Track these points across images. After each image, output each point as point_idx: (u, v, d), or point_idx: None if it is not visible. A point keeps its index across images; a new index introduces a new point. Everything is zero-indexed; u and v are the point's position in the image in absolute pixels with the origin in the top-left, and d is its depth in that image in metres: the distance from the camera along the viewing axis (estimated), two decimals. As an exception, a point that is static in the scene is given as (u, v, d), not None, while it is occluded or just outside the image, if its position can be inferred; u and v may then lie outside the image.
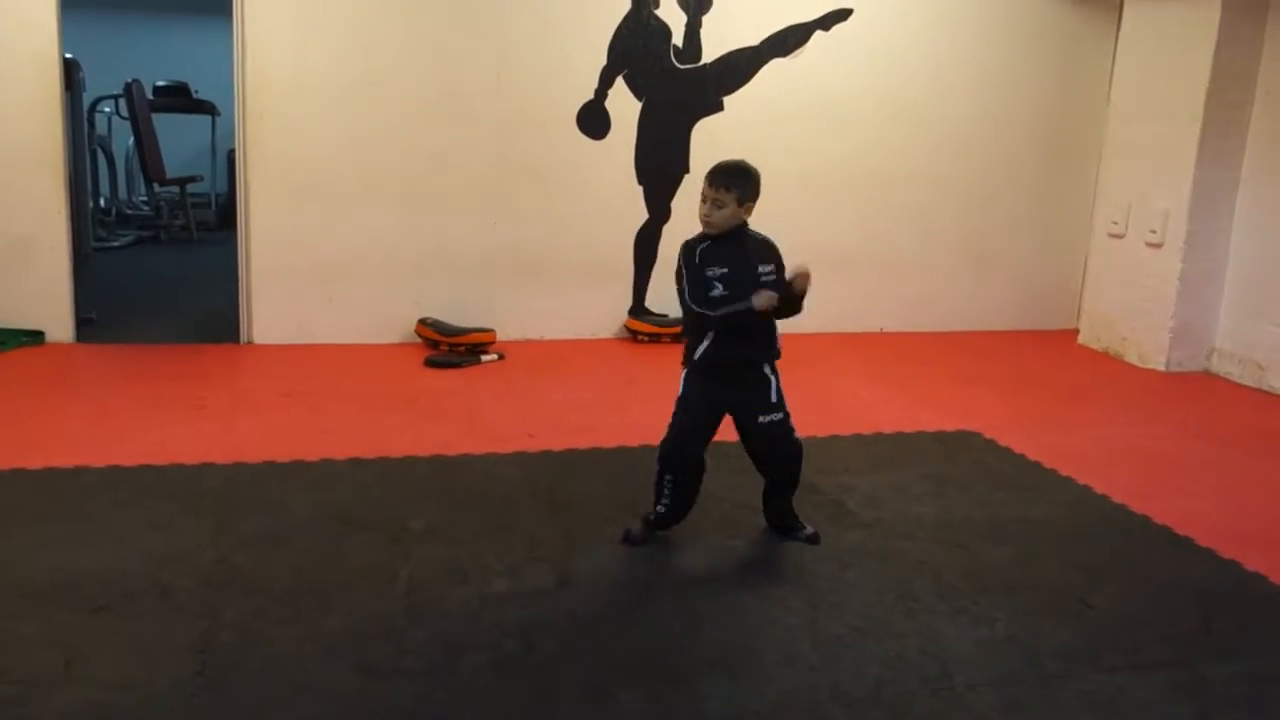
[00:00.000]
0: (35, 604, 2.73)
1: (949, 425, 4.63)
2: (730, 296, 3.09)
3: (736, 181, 3.12)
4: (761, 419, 3.22)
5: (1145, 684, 2.61)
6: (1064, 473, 4.07)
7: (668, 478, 3.26)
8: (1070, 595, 3.07)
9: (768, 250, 3.19)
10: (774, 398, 3.23)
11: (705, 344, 3.17)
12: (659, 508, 3.28)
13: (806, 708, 2.46)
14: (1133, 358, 6.05)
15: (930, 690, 2.55)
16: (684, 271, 3.17)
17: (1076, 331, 6.57)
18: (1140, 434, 4.75)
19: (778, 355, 3.25)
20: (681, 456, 3.22)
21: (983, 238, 6.69)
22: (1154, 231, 5.90)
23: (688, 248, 3.18)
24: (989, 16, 6.41)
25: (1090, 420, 4.92)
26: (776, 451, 3.28)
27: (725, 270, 3.11)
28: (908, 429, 4.56)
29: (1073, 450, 4.35)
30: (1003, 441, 4.42)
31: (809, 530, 3.35)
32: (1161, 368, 5.87)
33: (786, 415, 3.26)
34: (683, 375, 3.26)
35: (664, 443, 3.25)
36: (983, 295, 6.74)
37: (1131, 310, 6.06)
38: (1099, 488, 3.92)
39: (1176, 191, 5.76)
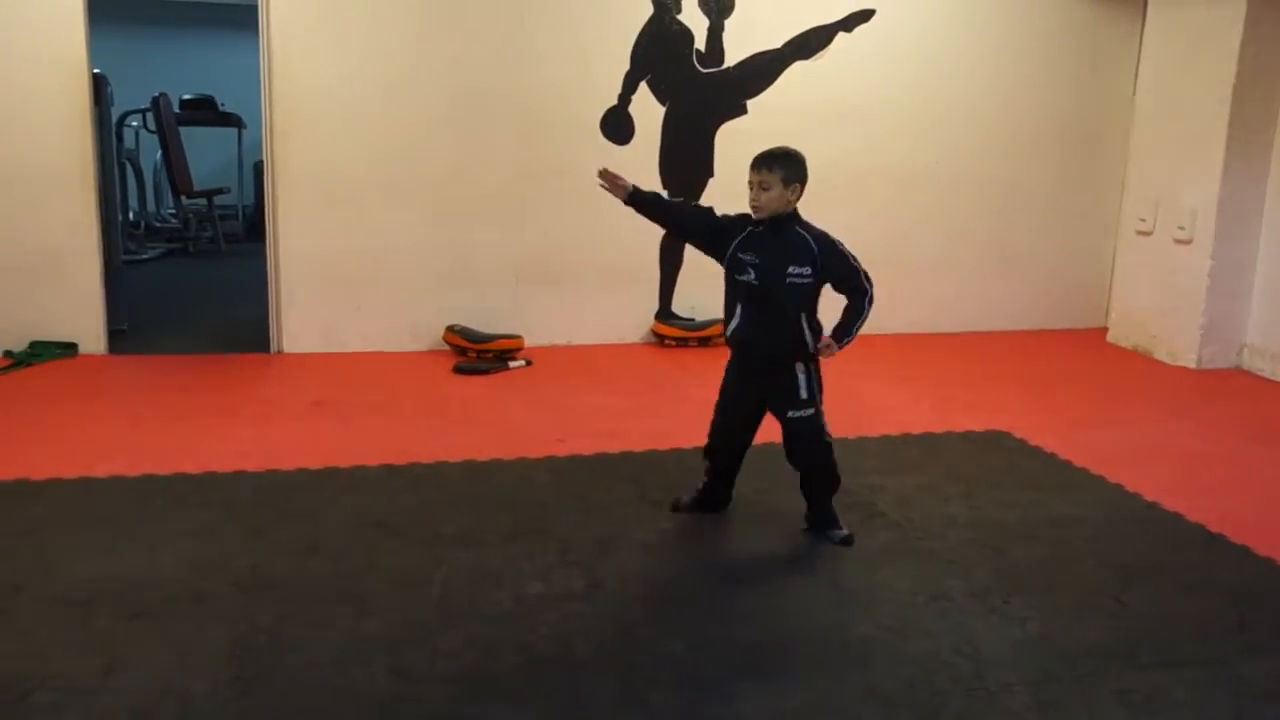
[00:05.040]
0: (74, 611, 2.76)
1: (978, 425, 4.61)
2: (758, 285, 3.17)
3: (780, 162, 3.14)
4: (790, 414, 3.24)
5: (1181, 682, 2.59)
6: (1095, 472, 4.05)
7: (707, 464, 3.43)
8: (1103, 594, 3.06)
9: (805, 251, 3.17)
10: (804, 394, 3.23)
11: (734, 321, 3.26)
12: (695, 490, 3.49)
13: (839, 708, 2.46)
14: (1163, 355, 6.00)
15: (964, 690, 2.54)
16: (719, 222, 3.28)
17: (1105, 330, 6.53)
18: (1171, 432, 4.71)
19: (809, 352, 3.24)
20: (717, 444, 3.38)
21: (1008, 237, 6.66)
22: (1182, 228, 5.85)
23: (741, 217, 3.24)
24: (1011, 15, 6.39)
25: (1121, 419, 4.89)
26: (804, 448, 3.29)
27: (756, 259, 3.17)
28: (936, 430, 4.54)
29: (1103, 449, 4.32)
30: (1033, 441, 4.39)
31: (843, 533, 3.35)
32: (1192, 365, 5.82)
33: (817, 413, 3.27)
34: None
35: (709, 430, 3.39)
36: (1009, 295, 6.71)
37: (1161, 307, 6.01)
38: (1130, 486, 3.90)
39: (1205, 187, 5.72)
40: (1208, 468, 4.25)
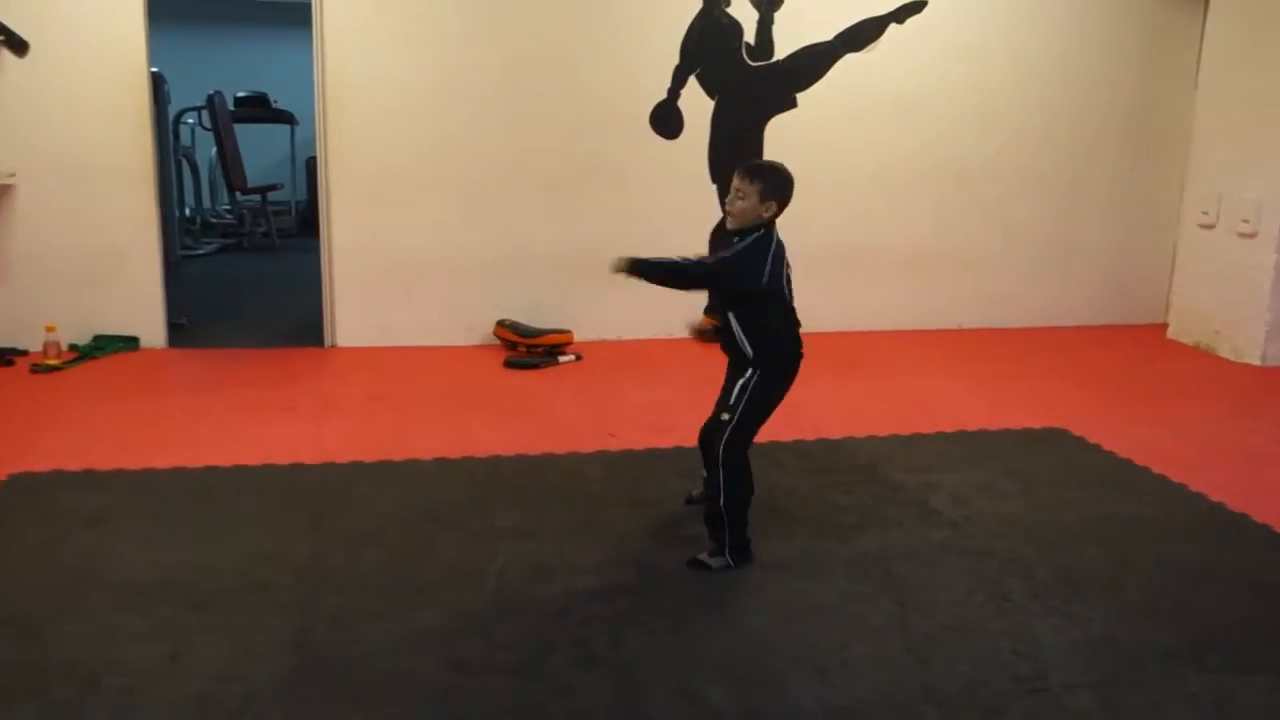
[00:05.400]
0: (140, 600, 2.82)
1: (1035, 422, 4.53)
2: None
3: (762, 175, 3.04)
4: (720, 415, 3.14)
5: (1252, 687, 2.53)
6: (1157, 470, 3.97)
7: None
8: (1168, 596, 2.99)
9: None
10: (732, 399, 3.10)
11: None
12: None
13: (899, 706, 2.43)
14: (1226, 352, 5.87)
15: (1025, 690, 2.50)
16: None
17: (1165, 326, 6.40)
18: (1235, 430, 4.60)
19: (751, 360, 3.07)
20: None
21: (1065, 231, 6.55)
22: (1247, 221, 5.71)
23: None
24: (1067, 4, 6.27)
25: (1183, 416, 4.79)
26: (715, 450, 3.11)
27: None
28: (992, 426, 4.48)
29: (1165, 447, 4.23)
30: (1092, 439, 4.32)
31: (710, 560, 3.10)
32: (1257, 361, 5.69)
33: (734, 422, 3.07)
34: None
35: None
36: (1066, 290, 6.60)
37: (1224, 303, 5.88)
38: (1194, 485, 3.81)
39: (1270, 179, 5.58)
40: (1274, 467, 4.15)
